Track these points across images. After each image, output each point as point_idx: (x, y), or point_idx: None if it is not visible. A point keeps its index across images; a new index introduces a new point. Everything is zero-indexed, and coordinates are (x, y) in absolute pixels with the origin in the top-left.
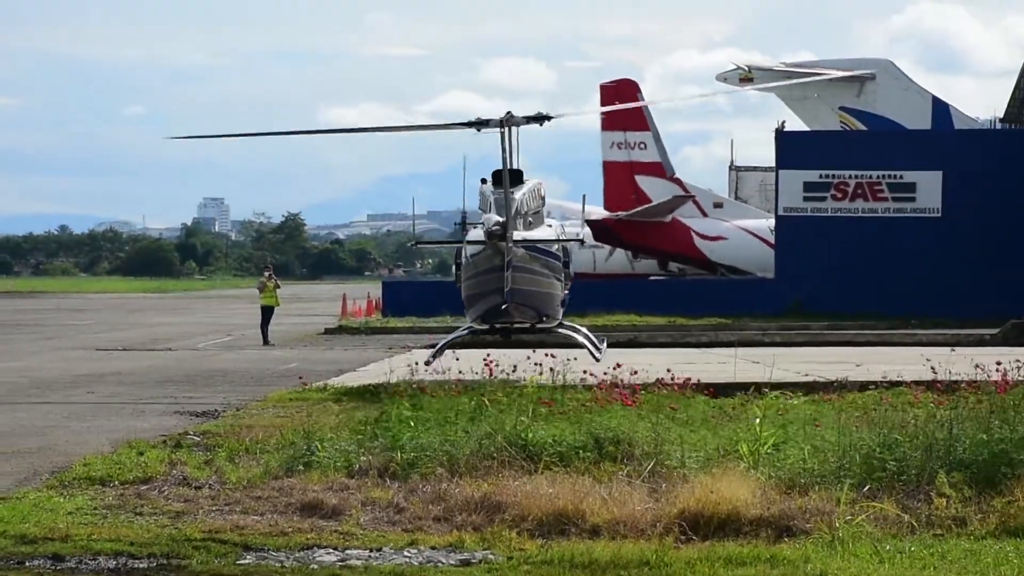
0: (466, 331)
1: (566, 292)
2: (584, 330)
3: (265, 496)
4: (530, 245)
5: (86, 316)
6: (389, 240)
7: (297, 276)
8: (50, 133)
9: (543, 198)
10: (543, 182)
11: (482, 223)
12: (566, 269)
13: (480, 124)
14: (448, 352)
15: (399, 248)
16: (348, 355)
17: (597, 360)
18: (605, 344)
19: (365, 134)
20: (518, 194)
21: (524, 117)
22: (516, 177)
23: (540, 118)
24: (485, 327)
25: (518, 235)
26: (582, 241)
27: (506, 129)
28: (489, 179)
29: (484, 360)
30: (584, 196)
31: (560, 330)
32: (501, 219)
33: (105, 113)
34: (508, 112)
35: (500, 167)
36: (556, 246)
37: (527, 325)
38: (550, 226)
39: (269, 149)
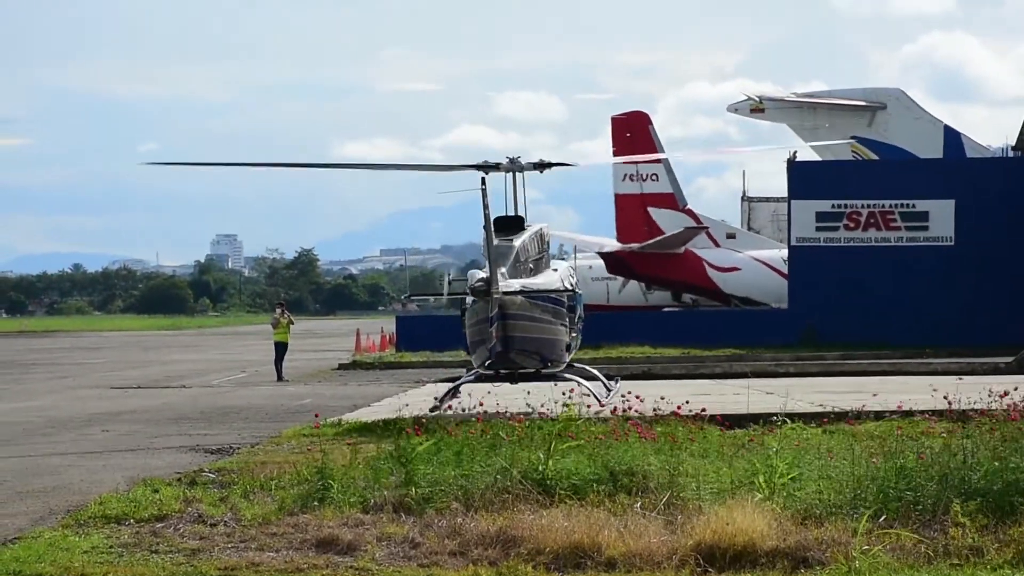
0: (472, 376)
1: (574, 336)
2: (595, 372)
3: (280, 532)
4: (530, 292)
5: (100, 354)
6: (402, 275)
7: (311, 312)
8: (63, 171)
9: (547, 243)
10: (546, 226)
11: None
12: (571, 313)
13: (488, 168)
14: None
15: (412, 283)
16: (362, 390)
17: (601, 405)
18: (619, 383)
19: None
20: (517, 241)
21: (530, 163)
22: (517, 223)
23: (543, 165)
24: (490, 372)
25: (516, 283)
26: (574, 291)
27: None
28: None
29: (494, 393)
30: (575, 246)
31: (567, 374)
32: (484, 275)
33: (119, 151)
34: (509, 159)
35: (500, 215)
36: (559, 288)
37: (531, 371)
38: (555, 270)
39: (282, 185)
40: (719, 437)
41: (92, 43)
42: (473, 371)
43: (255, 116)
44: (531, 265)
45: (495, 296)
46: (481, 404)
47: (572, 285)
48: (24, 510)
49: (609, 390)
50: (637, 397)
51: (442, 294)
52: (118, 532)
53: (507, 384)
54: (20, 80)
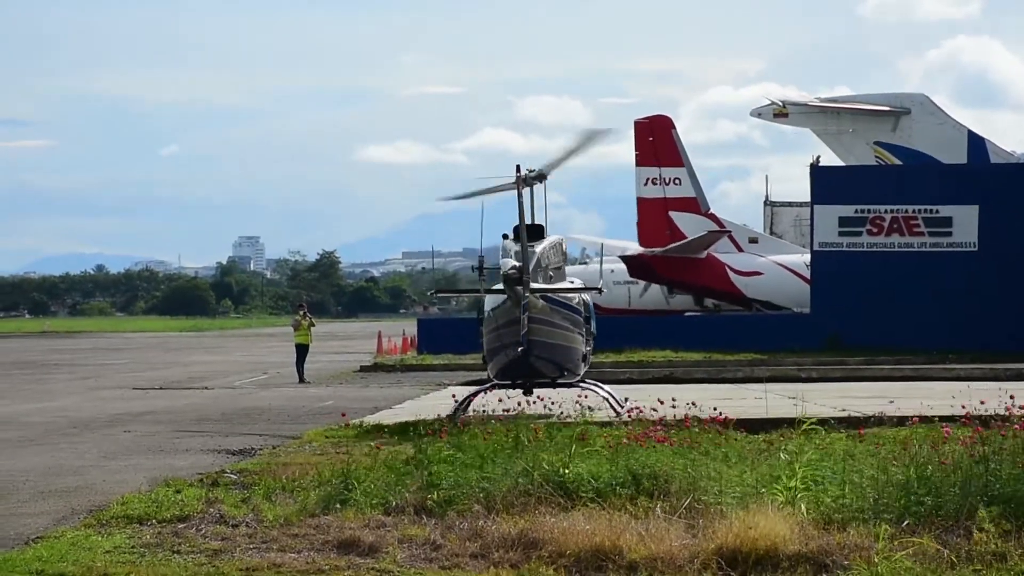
0: (488, 386)
1: (588, 348)
2: (606, 388)
3: (302, 534)
4: (550, 298)
5: (122, 355)
6: (424, 277)
7: (332, 314)
8: (86, 174)
9: (564, 254)
10: (564, 238)
11: (499, 266)
12: (587, 324)
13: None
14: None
15: (434, 286)
16: (384, 393)
17: (618, 413)
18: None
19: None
20: (538, 247)
21: (534, 176)
22: (537, 232)
23: (540, 176)
24: (507, 382)
25: (537, 287)
26: (600, 290)
27: (521, 185)
28: (511, 234)
29: (513, 399)
30: (603, 245)
31: (582, 384)
32: (518, 263)
33: (141, 153)
34: (518, 167)
35: (521, 222)
36: (577, 300)
37: (547, 380)
38: (572, 282)
39: (305, 188)
40: (741, 441)
41: (116, 48)
42: (490, 381)
43: (277, 120)
44: (551, 273)
45: (527, 281)
46: (502, 407)
47: (587, 299)
48: (47, 510)
49: (621, 406)
50: (659, 401)
51: (471, 291)
52: (140, 532)
53: (522, 394)
54: (44, 84)
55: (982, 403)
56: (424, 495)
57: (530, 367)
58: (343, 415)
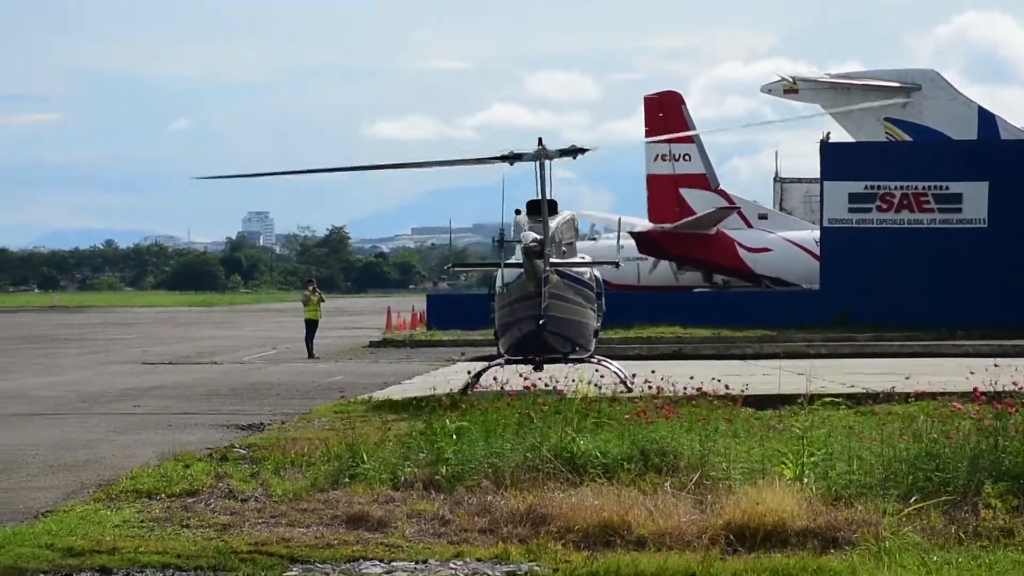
0: (499, 362)
1: (598, 324)
2: (616, 364)
3: (311, 508)
4: (564, 273)
5: (132, 330)
6: (433, 253)
7: (341, 289)
8: (96, 148)
9: (576, 230)
10: (576, 214)
11: (519, 240)
12: (599, 300)
13: (513, 158)
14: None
15: (443, 261)
16: (393, 368)
17: (628, 388)
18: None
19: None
20: (553, 223)
21: (558, 151)
22: (551, 208)
23: (574, 151)
24: (518, 357)
25: (555, 261)
26: (617, 264)
27: (539, 161)
28: (524, 209)
29: (524, 376)
30: (620, 219)
31: (592, 360)
32: (539, 236)
33: (151, 128)
34: (541, 145)
35: (534, 198)
36: (589, 275)
37: (559, 355)
38: (583, 258)
39: (314, 163)
40: (749, 417)
41: (127, 22)
42: (501, 356)
43: (287, 96)
44: (564, 249)
45: (547, 255)
46: (512, 383)
47: (598, 275)
48: (56, 484)
49: (631, 382)
50: (668, 377)
51: (489, 265)
52: (149, 507)
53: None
54: (54, 58)
55: (992, 380)
56: (433, 470)
57: (543, 342)
58: (341, 392)
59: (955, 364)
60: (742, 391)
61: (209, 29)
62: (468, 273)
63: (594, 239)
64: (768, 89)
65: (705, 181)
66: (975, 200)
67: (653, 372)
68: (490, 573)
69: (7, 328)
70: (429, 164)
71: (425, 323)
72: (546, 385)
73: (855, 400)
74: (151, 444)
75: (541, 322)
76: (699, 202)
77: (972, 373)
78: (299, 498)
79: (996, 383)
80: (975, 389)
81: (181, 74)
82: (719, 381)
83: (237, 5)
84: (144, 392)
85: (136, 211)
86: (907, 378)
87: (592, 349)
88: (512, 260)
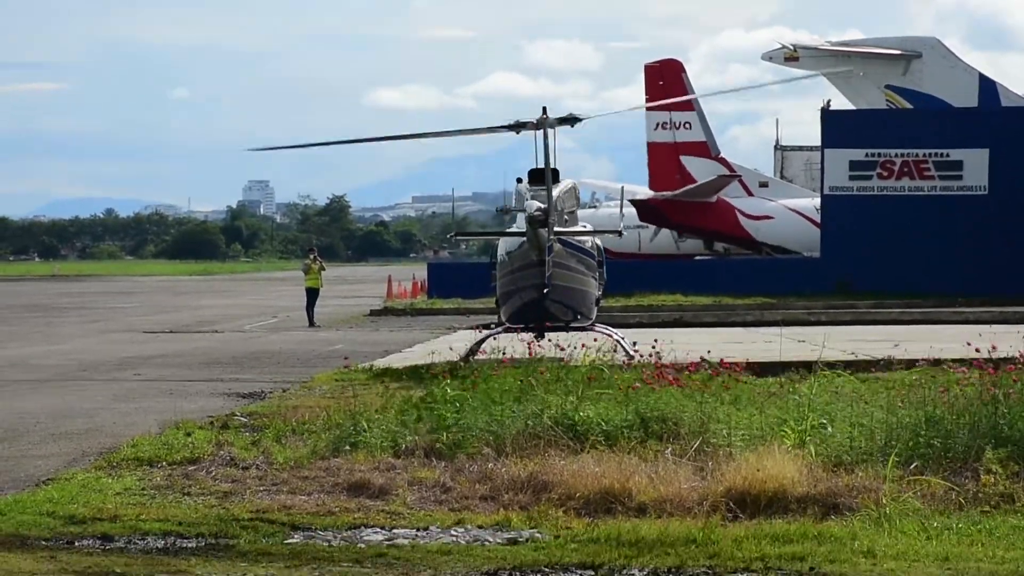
0: (500, 330)
1: (600, 292)
2: (617, 332)
3: (312, 476)
4: (566, 242)
5: (132, 299)
6: (434, 222)
7: (342, 258)
8: (96, 117)
9: (578, 198)
10: (576, 183)
11: (523, 211)
12: (600, 268)
13: (518, 127)
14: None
15: (444, 230)
16: (394, 336)
17: (630, 356)
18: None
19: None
20: (555, 192)
21: (556, 119)
22: (553, 176)
23: (571, 120)
24: (519, 325)
25: (558, 230)
26: (620, 233)
27: (543, 130)
28: (525, 178)
29: (527, 342)
30: (623, 188)
31: (593, 328)
32: (543, 206)
33: (151, 97)
34: (544, 114)
35: (535, 167)
36: (590, 244)
37: (561, 323)
38: (584, 226)
39: (314, 132)
40: (750, 384)
41: None
42: (502, 324)
43: (287, 64)
44: (566, 217)
45: (551, 224)
46: (513, 351)
47: (599, 243)
48: (57, 452)
49: (634, 349)
50: (669, 344)
51: (492, 233)
52: (151, 474)
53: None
54: (55, 27)
55: (992, 347)
56: (434, 438)
57: (545, 310)
58: (345, 359)
59: (955, 331)
60: (744, 358)
61: None
62: (469, 242)
63: (595, 207)
64: (769, 57)
65: (706, 149)
66: (976, 167)
67: (657, 341)
68: (491, 540)
69: (8, 297)
70: (435, 134)
71: (426, 291)
72: (544, 351)
73: (856, 367)
74: (152, 412)
75: (545, 291)
76: (700, 170)
77: (969, 344)
78: (300, 466)
79: (995, 350)
80: (977, 351)
81: (181, 42)
82: (720, 348)
83: None
84: (145, 360)
85: (137, 180)
86: (895, 345)
87: (593, 317)
88: (514, 229)
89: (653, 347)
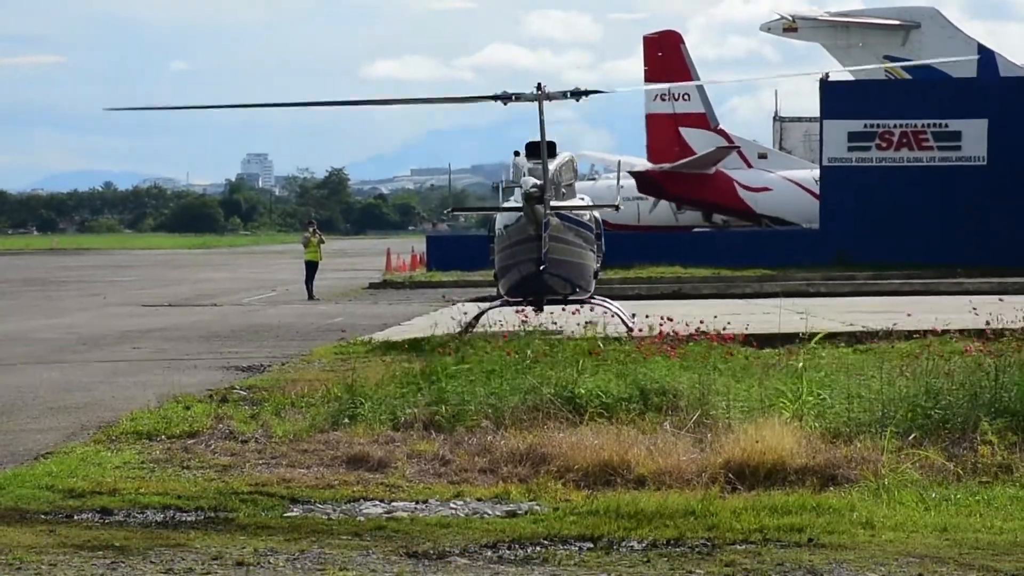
0: (499, 303)
1: (598, 265)
2: (616, 304)
3: (311, 449)
4: (564, 215)
5: (131, 273)
6: (433, 195)
7: (341, 231)
8: (95, 90)
9: (575, 171)
10: (574, 156)
11: (519, 186)
12: (598, 241)
13: (506, 98)
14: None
15: (443, 203)
16: (392, 309)
17: (629, 329)
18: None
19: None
20: (552, 165)
21: (561, 92)
22: (550, 149)
23: (577, 93)
24: (517, 299)
25: (555, 204)
26: (617, 207)
27: (540, 104)
28: (523, 151)
29: (526, 313)
30: (619, 162)
31: (592, 301)
32: (539, 182)
33: (150, 70)
34: (540, 89)
35: (532, 140)
36: (588, 217)
37: (559, 297)
38: (582, 199)
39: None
40: (749, 356)
41: None
42: (501, 298)
43: (286, 36)
44: (564, 190)
45: (547, 199)
46: (512, 324)
47: (597, 216)
48: (56, 425)
49: (632, 321)
50: (668, 318)
51: (488, 208)
52: (150, 448)
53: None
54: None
55: (994, 316)
56: (433, 410)
57: (543, 284)
58: (343, 331)
59: (954, 302)
60: (743, 330)
61: None
62: (463, 216)
63: (593, 179)
64: (767, 28)
65: (704, 120)
66: (974, 138)
67: (656, 315)
68: (490, 512)
69: (7, 271)
70: (435, 100)
71: (425, 264)
72: (542, 324)
73: (855, 338)
74: (151, 386)
75: (541, 267)
76: (699, 142)
77: (976, 311)
78: (299, 439)
79: (998, 319)
80: (981, 327)
81: (179, 15)
82: (719, 321)
83: None
84: (144, 334)
85: (135, 153)
86: (907, 315)
87: (592, 290)
88: (511, 203)
89: (653, 320)
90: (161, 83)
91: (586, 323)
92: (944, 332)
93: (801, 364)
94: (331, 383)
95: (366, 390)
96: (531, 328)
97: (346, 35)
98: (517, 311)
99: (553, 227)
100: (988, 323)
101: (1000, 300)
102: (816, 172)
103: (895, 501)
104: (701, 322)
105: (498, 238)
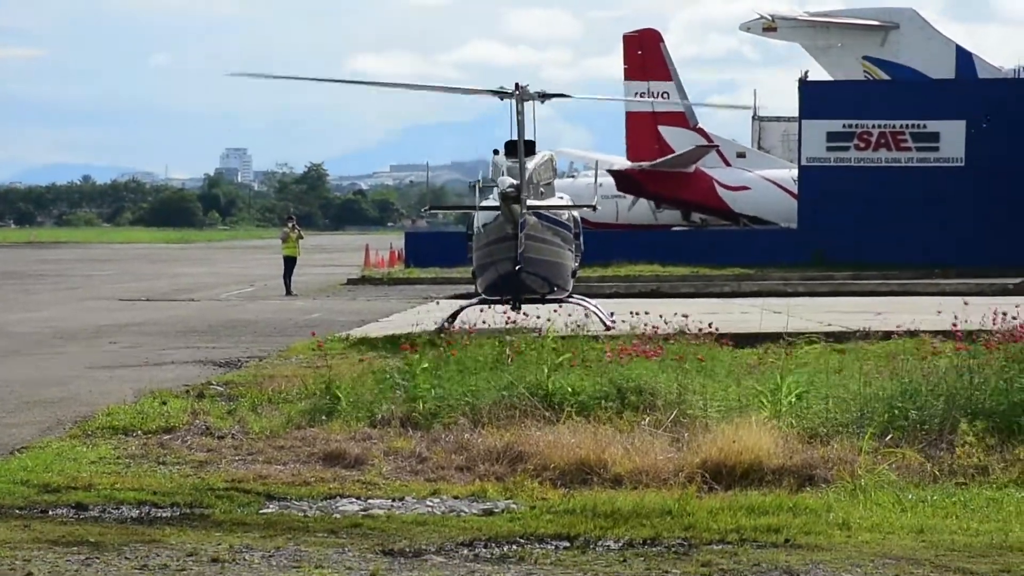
0: (476, 301)
1: (576, 264)
2: (594, 303)
3: (288, 446)
4: (542, 215)
5: (109, 267)
6: (412, 191)
7: (320, 227)
8: (74, 84)
9: (554, 170)
10: (554, 154)
11: (497, 185)
12: (577, 240)
13: (501, 93)
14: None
15: (422, 199)
16: (371, 306)
17: (607, 328)
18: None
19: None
20: (531, 164)
21: (538, 93)
22: (529, 148)
23: (557, 96)
24: (495, 298)
25: (531, 204)
26: (595, 207)
27: (519, 103)
28: (502, 150)
29: (505, 311)
30: (597, 161)
31: (570, 300)
32: (516, 182)
33: (129, 64)
34: (518, 88)
35: (512, 138)
36: (567, 216)
37: (537, 296)
38: (561, 198)
39: (292, 100)
40: (727, 356)
41: None
42: (479, 296)
43: (266, 31)
44: (542, 189)
45: (524, 199)
46: (490, 322)
47: (576, 215)
48: (32, 420)
49: (611, 320)
50: (645, 315)
51: (466, 207)
52: (126, 443)
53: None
54: None
55: (966, 319)
56: (410, 408)
57: (521, 283)
58: (312, 333)
59: (931, 302)
60: (720, 329)
61: None
62: (442, 213)
63: (573, 177)
64: (747, 27)
65: (684, 119)
66: (952, 139)
67: (635, 313)
68: (467, 511)
69: None
70: (414, 87)
71: (403, 261)
72: (515, 323)
73: (833, 338)
74: (128, 381)
75: (517, 268)
76: (678, 140)
77: (962, 307)
78: (276, 435)
79: (968, 321)
80: (957, 328)
81: (159, 8)
82: (697, 320)
83: None
84: (121, 328)
85: (114, 147)
86: (882, 315)
87: (570, 289)
88: (490, 201)
89: (630, 318)
90: (141, 77)
91: (566, 322)
92: (916, 333)
93: (779, 364)
94: (308, 379)
95: (343, 387)
96: (512, 326)
97: (327, 30)
98: (504, 311)
99: (530, 226)
100: (955, 324)
101: (966, 304)
102: (795, 172)
103: (872, 502)
104: (681, 318)
105: (476, 236)
